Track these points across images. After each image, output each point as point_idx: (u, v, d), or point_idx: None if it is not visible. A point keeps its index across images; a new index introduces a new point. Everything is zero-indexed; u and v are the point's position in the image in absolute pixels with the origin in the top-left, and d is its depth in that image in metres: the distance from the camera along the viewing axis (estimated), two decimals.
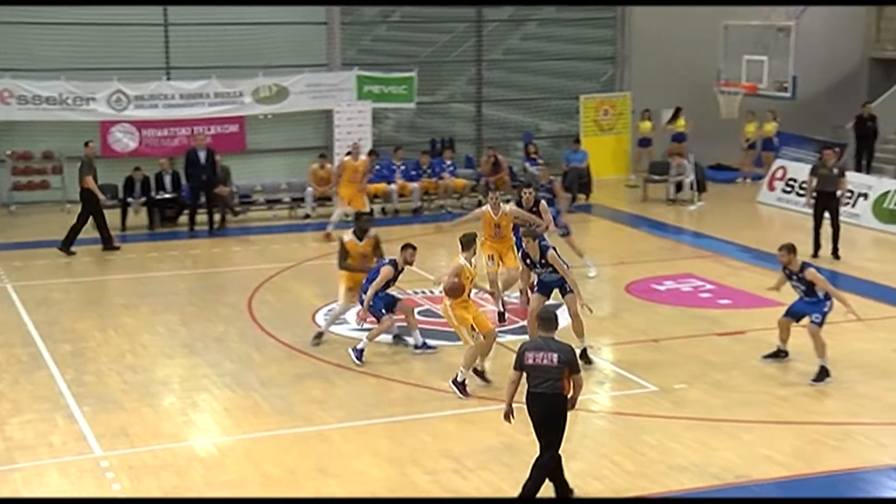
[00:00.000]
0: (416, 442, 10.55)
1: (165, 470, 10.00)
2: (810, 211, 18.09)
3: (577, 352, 11.63)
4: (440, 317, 14.47)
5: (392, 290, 13.39)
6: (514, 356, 9.07)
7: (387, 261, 13.12)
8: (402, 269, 13.13)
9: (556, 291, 12.67)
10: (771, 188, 22.94)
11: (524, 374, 8.98)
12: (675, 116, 25.12)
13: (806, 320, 12.26)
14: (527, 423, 10.85)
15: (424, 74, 24.40)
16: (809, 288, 12.14)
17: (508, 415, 9.16)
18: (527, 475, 8.98)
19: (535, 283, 12.96)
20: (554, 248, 12.62)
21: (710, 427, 10.83)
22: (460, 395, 11.60)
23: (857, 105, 24.99)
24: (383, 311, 13.05)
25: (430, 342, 13.33)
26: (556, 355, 8.86)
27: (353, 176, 19.45)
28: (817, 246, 17.57)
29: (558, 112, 26.32)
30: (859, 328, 13.16)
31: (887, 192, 20.51)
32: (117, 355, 13.33)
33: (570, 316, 12.49)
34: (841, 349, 12.97)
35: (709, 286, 16.13)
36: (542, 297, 12.54)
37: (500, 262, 14.54)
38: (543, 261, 12.40)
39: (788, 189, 22.53)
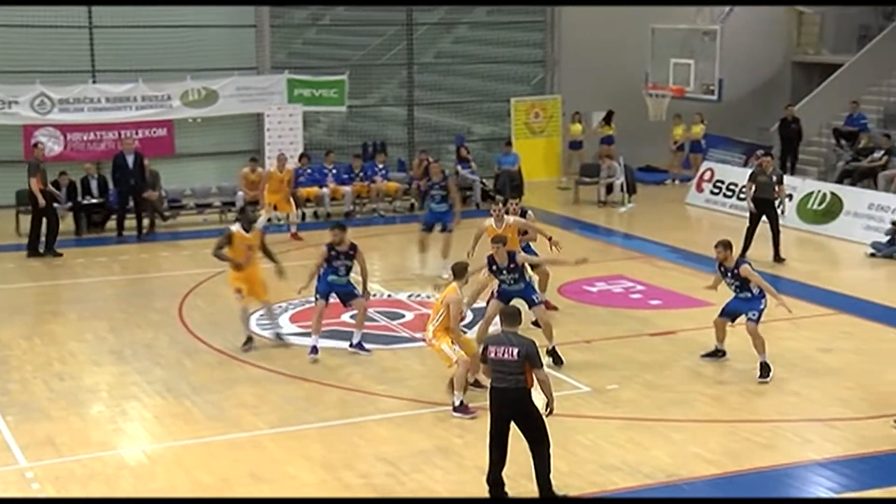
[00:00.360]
0: (350, 446, 10.51)
1: (93, 479, 9.84)
2: (746, 214, 18.28)
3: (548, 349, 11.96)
4: (375, 321, 14.44)
5: (354, 285, 13.27)
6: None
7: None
8: (336, 249, 13.09)
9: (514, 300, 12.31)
10: (699, 190, 23.27)
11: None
12: (607, 119, 25.39)
13: (742, 318, 12.40)
14: (461, 427, 10.88)
15: (355, 78, 24.34)
16: (743, 284, 12.29)
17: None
18: (463, 477, 8.97)
19: (497, 290, 12.67)
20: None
21: (642, 427, 10.94)
22: (468, 416, 11.07)
23: (781, 108, 25.48)
24: (325, 296, 13.11)
25: (367, 346, 13.28)
26: (515, 349, 8.97)
27: (279, 186, 19.94)
28: (746, 248, 17.62)
29: (490, 115, 26.42)
30: (787, 327, 13.40)
31: (811, 193, 20.92)
32: (43, 363, 13.07)
33: (542, 325, 12.52)
34: (769, 348, 13.17)
35: (639, 287, 16.30)
36: (501, 305, 12.19)
37: None
38: (512, 265, 12.29)
39: (716, 190, 22.87)
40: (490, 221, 13.87)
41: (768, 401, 11.71)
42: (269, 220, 19.36)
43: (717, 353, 12.80)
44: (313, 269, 13.25)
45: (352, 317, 13.79)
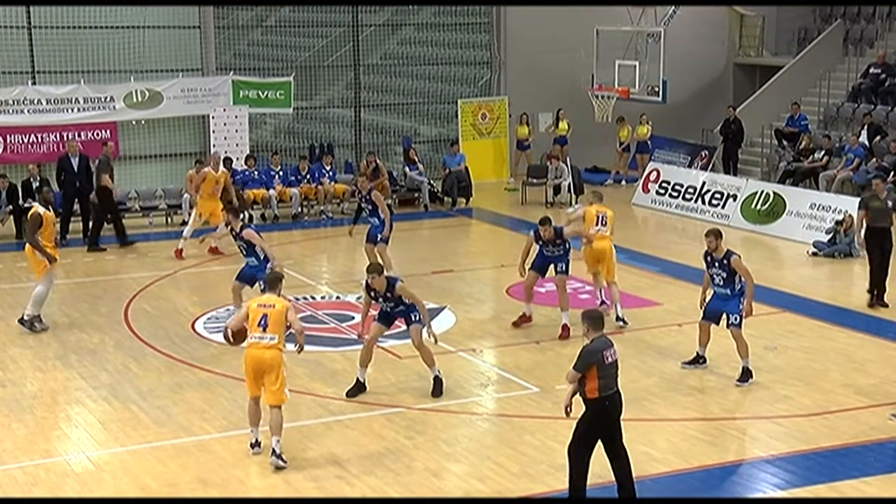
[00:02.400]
0: (300, 449, 10.46)
1: (37, 487, 9.70)
2: (691, 215, 18.40)
3: (431, 378, 11.76)
4: (324, 323, 14.41)
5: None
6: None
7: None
8: (234, 231, 13.92)
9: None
10: (645, 190, 23.49)
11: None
12: (557, 120, 25.55)
13: (724, 322, 12.29)
14: (411, 429, 10.91)
15: (302, 79, 24.24)
16: (729, 276, 12.08)
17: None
18: (413, 479, 8.95)
19: (378, 313, 11.99)
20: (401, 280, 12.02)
21: None
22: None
23: (724, 109, 25.84)
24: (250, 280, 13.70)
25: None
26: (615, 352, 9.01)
27: (215, 188, 18.85)
28: (877, 288, 15.38)
29: (437, 116, 26.46)
30: None
31: (755, 193, 21.21)
32: None
33: (416, 347, 11.77)
34: (715, 348, 13.35)
35: (588, 287, 16.38)
36: (382, 328, 11.94)
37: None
38: (388, 294, 11.61)
39: (662, 191, 23.10)
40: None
41: (715, 399, 11.85)
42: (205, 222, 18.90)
43: (699, 360, 12.62)
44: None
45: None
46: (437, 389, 11.80)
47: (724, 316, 12.23)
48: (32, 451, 10.52)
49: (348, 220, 21.90)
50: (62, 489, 9.66)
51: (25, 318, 14.37)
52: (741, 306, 12.10)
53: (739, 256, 12.23)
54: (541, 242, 14.03)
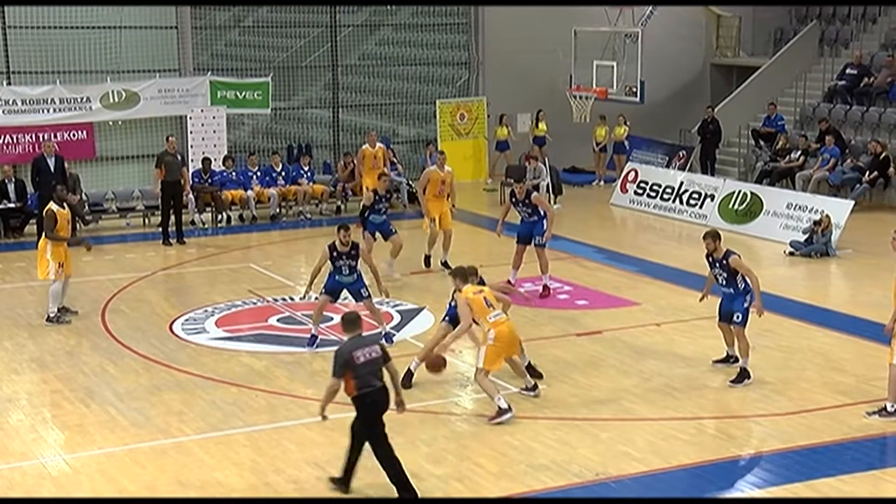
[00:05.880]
0: (279, 451, 10.43)
1: (13, 490, 9.64)
2: (670, 215, 18.38)
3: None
4: (302, 324, 14.36)
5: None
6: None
7: None
8: (338, 250, 13.45)
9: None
10: (623, 190, 23.55)
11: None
12: (536, 120, 25.59)
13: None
14: (388, 429, 10.86)
15: (280, 80, 24.17)
16: (731, 276, 12.13)
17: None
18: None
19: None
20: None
21: (571, 426, 11.03)
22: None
23: (701, 109, 25.96)
24: (332, 292, 13.50)
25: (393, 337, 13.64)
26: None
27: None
28: None
29: (415, 117, 26.44)
30: (709, 326, 13.56)
31: (732, 193, 21.30)
32: None
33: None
34: (693, 346, 13.43)
35: (566, 287, 16.43)
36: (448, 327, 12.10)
37: None
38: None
39: (640, 191, 23.16)
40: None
41: (693, 399, 11.88)
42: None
43: (729, 359, 12.60)
44: (314, 271, 13.33)
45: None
46: (407, 381, 11.84)
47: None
48: (8, 454, 10.44)
49: (327, 220, 21.97)
50: (39, 492, 9.59)
51: (51, 316, 14.62)
52: (745, 304, 12.13)
53: (739, 256, 12.27)
54: (514, 200, 15.70)
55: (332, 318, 14.51)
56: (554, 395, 11.92)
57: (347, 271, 13.23)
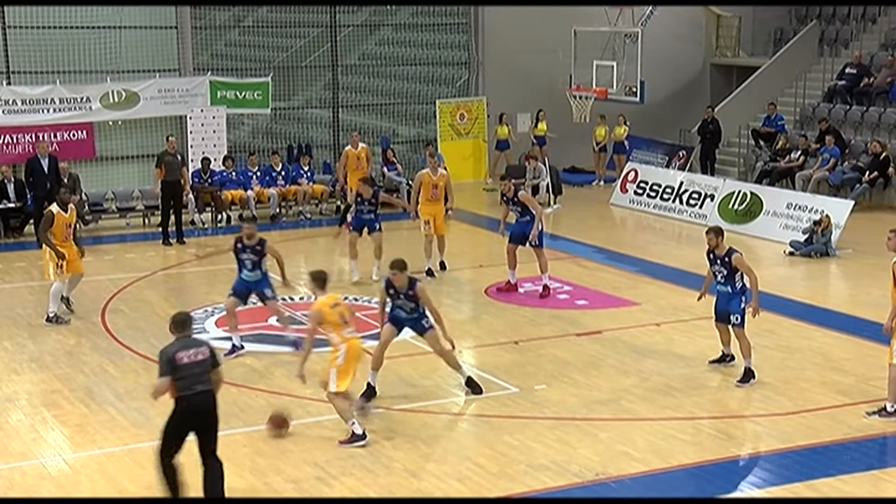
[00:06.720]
0: (279, 451, 10.43)
1: (13, 490, 9.64)
2: (670, 215, 18.38)
3: (463, 381, 11.75)
4: (302, 324, 14.35)
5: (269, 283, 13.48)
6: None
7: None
8: (243, 242, 13.36)
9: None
10: (623, 190, 23.55)
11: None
12: (537, 120, 25.61)
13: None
14: (389, 430, 10.87)
15: (280, 80, 24.17)
16: (731, 274, 12.08)
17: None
18: (393, 480, 8.94)
19: (389, 314, 11.74)
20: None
21: (571, 426, 11.02)
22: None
23: (701, 109, 25.96)
24: (239, 294, 13.35)
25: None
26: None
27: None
28: None
29: (415, 117, 26.45)
30: (708, 326, 13.57)
31: (732, 193, 21.30)
32: None
33: (439, 354, 11.65)
34: (692, 346, 13.42)
35: (566, 287, 16.43)
36: (394, 331, 11.66)
37: None
38: (411, 292, 11.41)
39: (640, 191, 23.17)
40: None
41: (692, 398, 11.88)
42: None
43: (724, 358, 12.60)
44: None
45: (277, 320, 13.73)
46: (475, 389, 11.74)
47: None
48: (8, 454, 10.44)
49: (327, 220, 21.98)
50: (39, 492, 9.59)
51: (51, 316, 14.61)
52: (742, 305, 12.10)
53: (741, 254, 12.23)
54: (504, 199, 15.75)
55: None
56: (553, 395, 11.93)
57: (250, 266, 13.16)
